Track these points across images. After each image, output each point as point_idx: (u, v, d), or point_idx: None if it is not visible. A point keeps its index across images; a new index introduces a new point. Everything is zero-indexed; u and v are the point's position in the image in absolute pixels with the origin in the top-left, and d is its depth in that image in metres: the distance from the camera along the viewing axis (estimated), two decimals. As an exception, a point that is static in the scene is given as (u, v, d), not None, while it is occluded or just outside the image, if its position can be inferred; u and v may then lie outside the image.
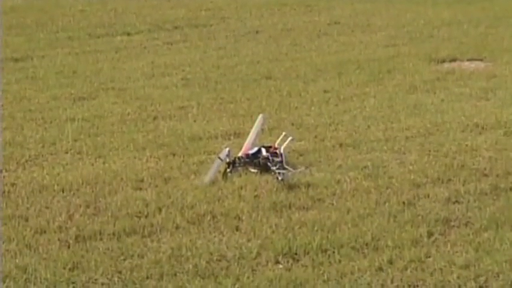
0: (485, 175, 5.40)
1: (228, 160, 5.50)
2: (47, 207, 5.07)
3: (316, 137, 6.22)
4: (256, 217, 4.87)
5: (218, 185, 5.35)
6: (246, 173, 5.44)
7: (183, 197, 5.18)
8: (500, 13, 10.54)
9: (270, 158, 5.47)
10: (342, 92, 7.25)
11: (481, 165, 5.61)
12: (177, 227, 4.76)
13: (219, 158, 5.51)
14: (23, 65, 8.55)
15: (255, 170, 5.47)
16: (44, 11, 11.37)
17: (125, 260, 4.39)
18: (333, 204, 5.04)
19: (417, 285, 4.08)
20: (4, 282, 4.18)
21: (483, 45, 8.70)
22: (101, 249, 4.50)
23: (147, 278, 4.20)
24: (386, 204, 5.01)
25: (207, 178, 5.48)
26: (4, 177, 5.65)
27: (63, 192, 5.33)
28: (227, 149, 5.64)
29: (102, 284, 4.15)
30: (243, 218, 4.87)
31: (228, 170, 5.45)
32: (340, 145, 5.98)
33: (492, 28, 9.77)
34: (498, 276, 4.11)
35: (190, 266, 4.29)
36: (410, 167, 5.55)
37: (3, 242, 4.61)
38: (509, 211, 4.87)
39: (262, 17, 10.58)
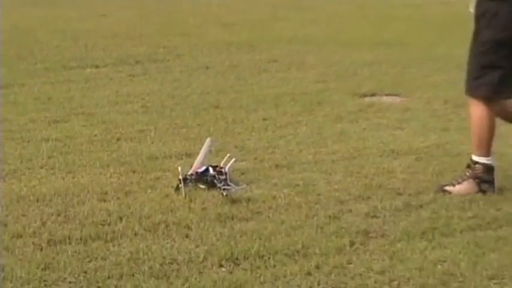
0: (399, 194, 5.44)
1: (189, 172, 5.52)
2: (23, 215, 5.02)
3: (255, 158, 6.23)
4: (204, 226, 4.84)
5: (171, 198, 5.33)
6: (195, 189, 5.43)
7: (141, 208, 5.14)
8: (414, 56, 10.67)
9: (216, 176, 5.46)
10: (278, 120, 7.27)
11: (395, 185, 5.64)
12: (135, 234, 4.72)
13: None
14: (5, 92, 8.50)
15: (203, 186, 5.45)
16: (24, 45, 11.30)
17: (90, 261, 4.35)
18: (269, 216, 5.03)
19: None
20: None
21: (399, 82, 8.81)
22: (69, 252, 4.46)
23: (109, 277, 4.15)
24: (315, 217, 5.00)
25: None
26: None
27: (37, 202, 5.28)
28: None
29: (70, 282, 4.10)
30: (192, 227, 4.84)
31: (180, 185, 5.43)
32: (276, 166, 6.00)
33: (407, 68, 9.88)
34: (409, 281, 4.12)
35: (146, 268, 4.26)
36: (336, 186, 5.57)
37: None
38: (419, 225, 4.90)
39: (211, 54, 10.60)
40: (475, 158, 5.47)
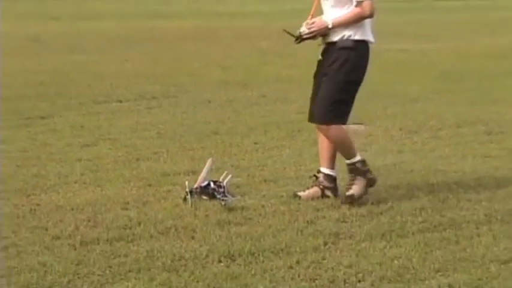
0: (364, 203, 5.45)
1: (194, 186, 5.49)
2: (60, 221, 5.03)
3: (248, 175, 6.24)
4: (206, 230, 4.85)
5: (180, 207, 5.33)
6: (199, 199, 5.44)
7: (155, 215, 5.15)
8: (376, 92, 10.61)
9: (216, 189, 5.46)
10: (266, 144, 7.29)
11: None
12: (151, 236, 4.74)
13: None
14: (47, 121, 8.52)
15: (206, 197, 5.45)
16: (62, 84, 11.31)
17: (114, 258, 4.36)
18: (259, 221, 5.05)
19: (316, 279, 4.09)
20: (30, 273, 4.14)
21: (363, 113, 8.79)
22: (97, 251, 4.47)
23: (129, 271, 4.17)
24: (296, 222, 5.02)
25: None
26: (32, 199, 5.59)
27: (72, 210, 5.29)
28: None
29: (98, 275, 4.12)
30: (197, 230, 4.85)
31: (187, 196, 5.42)
32: (265, 181, 6.01)
33: (370, 102, 9.81)
34: (371, 273, 4.15)
35: (160, 263, 4.28)
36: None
37: (29, 245, 4.58)
38: (379, 228, 4.91)
39: (212, 91, 10.63)
40: (351, 161, 5.49)
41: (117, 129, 8.11)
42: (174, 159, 6.82)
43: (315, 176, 5.62)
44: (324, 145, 5.59)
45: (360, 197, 5.39)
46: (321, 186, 5.54)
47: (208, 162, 5.68)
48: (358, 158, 5.49)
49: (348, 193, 5.41)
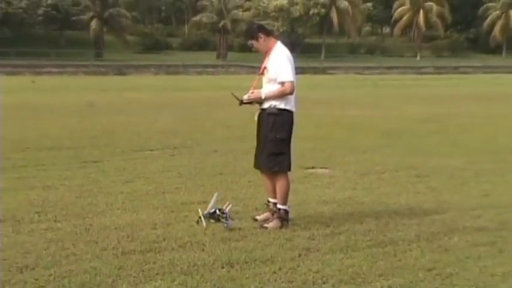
0: (328, 225, 5.45)
1: (205, 212, 5.45)
2: (107, 237, 5.03)
3: (244, 204, 6.22)
4: (213, 244, 4.85)
5: (194, 228, 5.31)
6: (208, 222, 5.42)
7: (176, 233, 5.15)
8: (336, 145, 10.66)
9: (221, 214, 5.44)
10: (258, 182, 7.23)
11: (325, 220, 5.59)
12: (172, 249, 4.74)
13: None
14: (98, 165, 8.49)
15: (213, 221, 5.43)
16: (109, 138, 11.29)
17: (145, 265, 4.35)
18: (251, 239, 5.04)
19: (292, 281, 4.10)
20: (84, 275, 4.13)
21: (328, 160, 8.86)
22: (133, 259, 4.47)
23: (157, 274, 4.18)
24: (278, 239, 5.01)
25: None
26: (86, 221, 5.57)
27: (115, 229, 5.29)
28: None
29: (134, 277, 4.13)
30: (206, 244, 4.85)
31: (200, 220, 5.41)
32: (256, 209, 5.97)
33: (332, 152, 9.88)
34: (333, 277, 4.17)
35: (179, 268, 4.28)
36: (290, 222, 5.52)
37: (84, 254, 4.57)
38: (339, 244, 4.91)
39: (218, 143, 10.64)
40: (279, 206, 5.39)
41: (148, 170, 8.12)
42: (190, 192, 6.82)
43: (266, 204, 5.62)
44: (267, 183, 5.55)
45: (271, 229, 5.27)
46: (271, 211, 5.52)
47: (215, 195, 5.67)
48: (286, 207, 5.37)
49: (265, 225, 5.33)
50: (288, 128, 5.36)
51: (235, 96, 5.50)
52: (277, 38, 5.54)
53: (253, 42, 5.40)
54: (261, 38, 5.34)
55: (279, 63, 5.27)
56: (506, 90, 28.89)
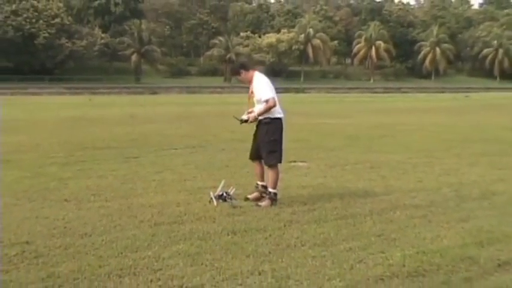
0: (305, 204, 5.37)
1: (215, 194, 5.39)
2: (143, 212, 5.00)
3: (243, 189, 6.08)
4: (221, 218, 4.83)
5: (207, 206, 5.27)
6: (218, 202, 5.38)
7: (194, 209, 5.13)
8: (313, 146, 10.54)
9: (227, 196, 5.41)
10: (253, 173, 7.24)
11: (304, 200, 5.55)
12: (191, 221, 4.72)
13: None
14: (137, 159, 8.42)
15: (221, 200, 5.39)
16: (145, 140, 11.16)
17: (172, 232, 4.29)
18: (249, 214, 5.01)
19: (279, 244, 4.05)
20: (126, 240, 4.09)
21: (306, 156, 8.75)
22: (163, 228, 4.40)
23: (180, 240, 4.13)
24: (268, 214, 4.95)
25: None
26: (128, 201, 5.50)
27: (150, 207, 5.25)
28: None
29: (163, 241, 4.07)
30: (216, 218, 4.83)
31: (211, 200, 5.38)
32: (251, 192, 5.91)
33: (309, 151, 9.77)
34: (309, 241, 4.16)
35: (196, 236, 4.26)
36: (278, 201, 5.46)
37: (127, 225, 4.51)
38: (313, 217, 4.88)
39: (225, 144, 10.54)
40: (270, 189, 5.37)
41: (173, 164, 8.06)
42: (204, 180, 6.79)
43: (256, 186, 5.61)
44: (257, 169, 5.57)
45: (264, 207, 5.24)
46: (259, 192, 5.51)
47: (222, 181, 5.64)
48: (275, 190, 5.31)
49: (259, 203, 5.33)
50: (279, 132, 5.42)
51: (236, 118, 5.55)
52: (255, 69, 5.58)
53: (238, 76, 5.49)
54: (242, 72, 5.43)
55: (260, 87, 5.33)
56: (435, 104, 28.87)
